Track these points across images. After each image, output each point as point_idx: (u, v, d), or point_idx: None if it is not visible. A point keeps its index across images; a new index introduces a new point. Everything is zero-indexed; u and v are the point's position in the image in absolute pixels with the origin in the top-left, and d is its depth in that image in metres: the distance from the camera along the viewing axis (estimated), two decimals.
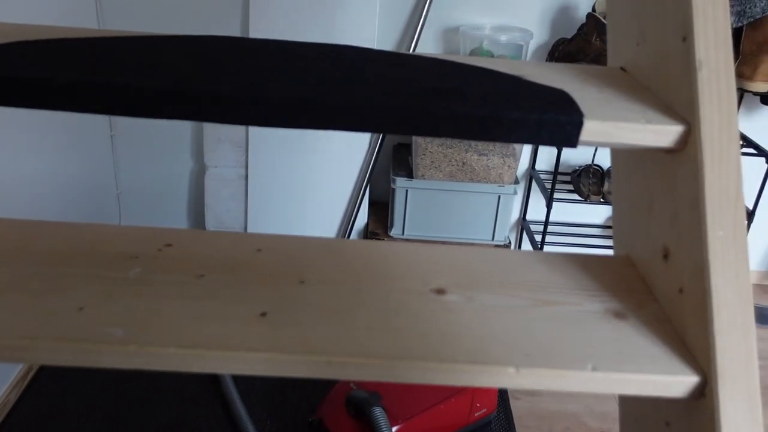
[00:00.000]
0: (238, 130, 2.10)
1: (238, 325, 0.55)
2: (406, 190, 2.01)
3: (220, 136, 2.11)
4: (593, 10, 1.86)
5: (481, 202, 2.02)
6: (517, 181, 2.04)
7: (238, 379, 1.48)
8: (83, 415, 1.28)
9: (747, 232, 2.05)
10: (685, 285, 0.59)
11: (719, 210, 0.56)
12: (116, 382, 1.40)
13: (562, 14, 2.01)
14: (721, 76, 0.58)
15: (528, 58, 2.03)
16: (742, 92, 2.03)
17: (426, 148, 1.95)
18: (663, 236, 0.63)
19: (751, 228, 2.07)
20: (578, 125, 0.58)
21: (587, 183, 2.05)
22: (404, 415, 1.32)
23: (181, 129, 2.19)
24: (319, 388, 1.51)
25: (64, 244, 0.66)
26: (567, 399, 1.73)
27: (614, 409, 1.72)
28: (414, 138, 1.97)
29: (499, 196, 2.01)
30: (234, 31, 2.03)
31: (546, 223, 2.07)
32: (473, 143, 1.95)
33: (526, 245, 2.36)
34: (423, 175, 1.99)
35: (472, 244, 2.08)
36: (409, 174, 2.02)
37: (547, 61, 2.03)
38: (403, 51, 2.05)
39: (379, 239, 2.07)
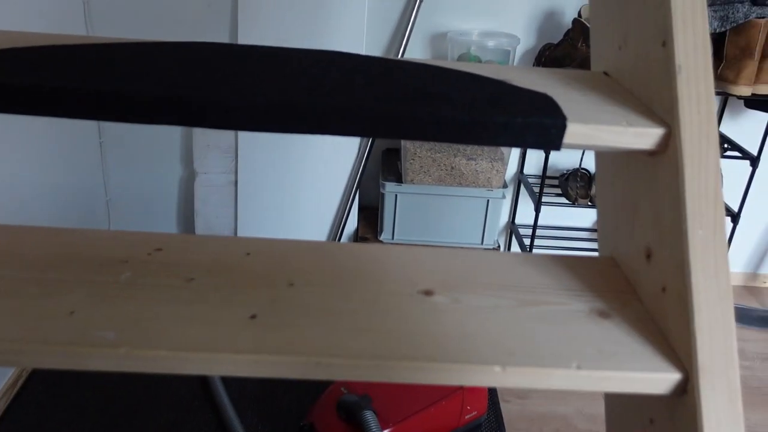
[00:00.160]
0: (227, 136, 2.10)
1: (228, 327, 0.56)
2: (396, 195, 2.02)
3: (210, 142, 2.11)
4: (579, 15, 1.89)
5: (470, 206, 2.03)
6: (505, 185, 2.05)
7: (229, 385, 1.48)
8: (74, 422, 1.28)
9: (733, 234, 2.08)
10: (668, 284, 0.60)
11: (699, 210, 0.57)
12: (107, 388, 1.39)
13: (549, 20, 2.03)
14: (699, 80, 0.60)
15: (515, 63, 2.05)
16: (726, 96, 2.06)
17: (415, 153, 1.96)
18: (646, 237, 0.65)
19: (736, 230, 2.10)
20: (562, 128, 0.59)
21: (575, 187, 2.07)
22: (395, 419, 1.32)
23: (170, 135, 2.19)
24: (311, 392, 1.51)
25: (53, 249, 0.66)
26: (557, 401, 1.74)
27: (604, 411, 1.73)
28: (403, 143, 1.98)
29: (488, 200, 2.02)
30: (223, 37, 2.03)
31: (534, 226, 2.09)
32: (462, 148, 1.97)
33: (515, 249, 2.37)
34: (412, 180, 2.00)
35: (461, 247, 2.09)
36: (399, 179, 2.03)
37: (534, 66, 2.05)
38: (391, 57, 2.06)
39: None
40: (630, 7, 0.69)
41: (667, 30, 0.61)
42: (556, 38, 2.02)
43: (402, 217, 2.06)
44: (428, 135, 0.58)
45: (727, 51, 1.80)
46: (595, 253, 0.79)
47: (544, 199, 2.06)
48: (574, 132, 0.59)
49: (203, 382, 1.48)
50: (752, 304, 2.34)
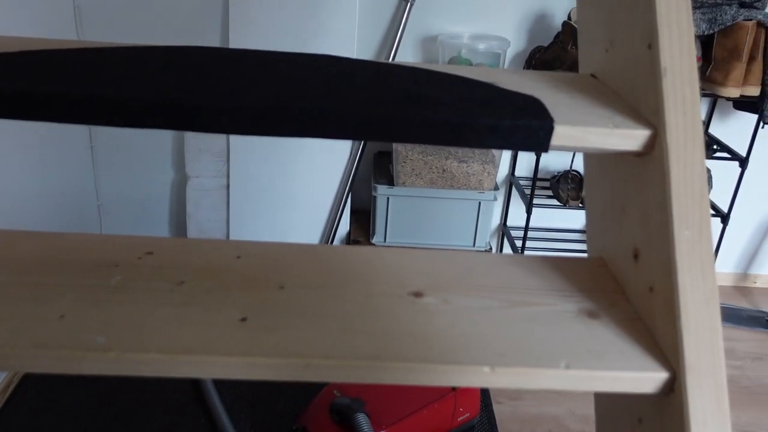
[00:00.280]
0: (219, 139, 2.10)
1: (219, 330, 0.56)
2: (388, 198, 2.03)
3: (201, 146, 2.11)
4: (569, 18, 1.90)
5: (461, 208, 2.04)
6: (497, 188, 2.06)
7: (222, 389, 1.47)
8: (66, 426, 1.28)
9: (722, 234, 2.09)
10: (655, 284, 0.60)
11: (685, 210, 0.58)
12: (100, 392, 1.39)
13: (539, 23, 2.04)
14: (685, 82, 0.61)
15: (505, 66, 2.06)
16: (715, 98, 2.07)
17: (406, 156, 1.96)
18: (633, 237, 0.65)
19: (726, 231, 2.11)
20: (549, 130, 0.59)
21: (566, 188, 2.08)
22: (388, 421, 1.32)
23: (162, 139, 2.19)
24: (303, 396, 1.51)
25: (44, 253, 0.66)
26: (549, 402, 1.75)
27: None
28: (394, 146, 1.99)
29: (480, 203, 2.03)
30: (214, 42, 2.03)
31: (526, 228, 2.10)
32: (453, 150, 1.97)
33: (507, 250, 2.38)
34: (404, 183, 2.00)
35: (452, 249, 2.10)
36: (390, 182, 2.04)
37: (524, 68, 2.06)
38: (382, 60, 2.07)
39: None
40: (616, 10, 0.70)
41: (652, 33, 0.62)
42: (547, 41, 2.03)
43: (394, 219, 2.07)
44: (417, 138, 0.59)
45: (715, 53, 1.81)
46: (586, 254, 0.80)
47: (536, 201, 2.07)
48: (561, 134, 0.59)
49: (195, 386, 1.48)
50: (742, 304, 2.36)
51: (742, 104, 2.01)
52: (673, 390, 0.56)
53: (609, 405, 0.71)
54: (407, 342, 0.57)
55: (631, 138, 0.61)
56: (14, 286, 0.60)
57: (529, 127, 0.59)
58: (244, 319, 0.58)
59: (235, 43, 1.98)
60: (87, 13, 1.97)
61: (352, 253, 0.72)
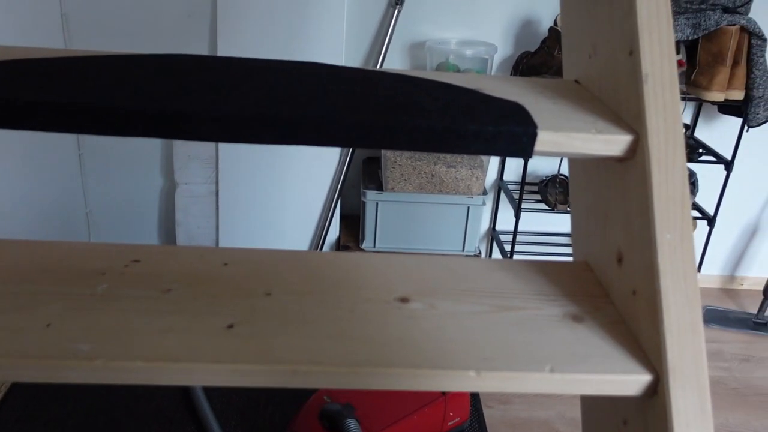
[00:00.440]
0: (208, 146, 2.10)
1: (205, 337, 0.56)
2: (377, 203, 2.03)
3: (190, 152, 2.10)
4: (555, 24, 1.91)
5: (450, 213, 2.05)
6: (485, 192, 2.07)
7: (212, 396, 1.47)
8: None
9: (709, 237, 2.11)
10: (638, 287, 0.61)
11: (667, 214, 0.58)
12: (89, 401, 1.38)
13: (526, 28, 2.05)
14: (666, 88, 0.61)
15: (493, 72, 2.07)
16: (700, 102, 2.09)
17: (395, 162, 1.97)
18: (617, 241, 0.66)
19: (712, 233, 2.13)
20: (532, 136, 0.60)
21: (554, 193, 2.09)
22: (378, 426, 1.33)
23: (150, 146, 2.18)
24: (294, 402, 1.51)
25: (30, 261, 0.66)
26: (538, 406, 1.75)
27: None
28: (383, 151, 1.99)
29: (468, 207, 2.04)
30: (202, 49, 2.03)
31: (515, 232, 2.11)
32: (442, 156, 1.98)
33: (497, 255, 2.39)
34: (393, 188, 2.01)
35: (439, 254, 2.10)
36: (379, 187, 2.04)
37: (511, 74, 2.07)
38: (370, 66, 2.07)
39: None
40: (599, 17, 0.71)
41: (633, 39, 0.63)
42: (533, 46, 2.05)
43: (383, 225, 2.07)
44: (401, 144, 0.59)
45: (699, 58, 1.83)
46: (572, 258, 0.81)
47: (524, 205, 2.08)
48: (544, 139, 0.60)
49: (186, 393, 1.48)
50: (730, 306, 2.38)
51: (727, 108, 2.03)
52: (657, 392, 0.57)
53: (595, 407, 0.72)
54: (394, 347, 0.57)
55: (613, 143, 0.61)
56: (0, 295, 0.60)
57: (513, 132, 0.60)
58: (230, 326, 0.58)
59: (224, 51, 1.98)
60: (74, 21, 1.96)
61: (339, 259, 0.72)
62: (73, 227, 2.22)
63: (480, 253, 2.18)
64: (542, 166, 2.27)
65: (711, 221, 2.11)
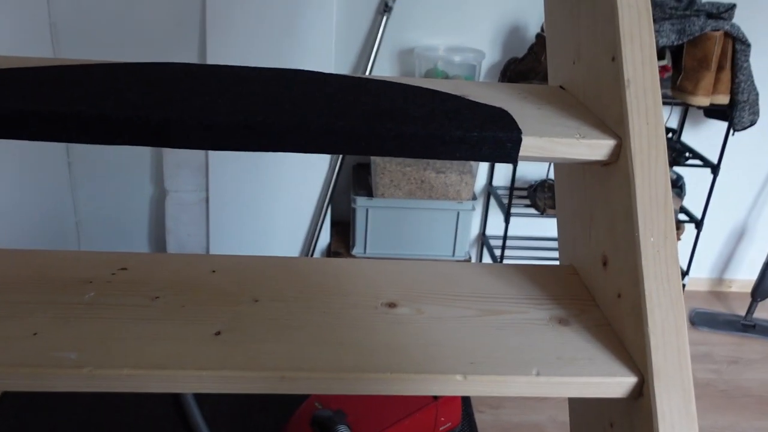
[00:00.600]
0: (197, 153, 2.10)
1: (193, 344, 0.56)
2: (367, 209, 2.04)
3: (180, 160, 2.10)
4: (542, 30, 1.93)
5: (440, 218, 2.05)
6: (474, 198, 2.08)
7: (203, 403, 1.46)
8: None
9: (697, 240, 2.13)
10: (623, 290, 0.62)
11: (650, 217, 0.59)
12: (79, 410, 1.38)
13: (513, 35, 2.07)
14: (648, 93, 0.62)
15: (481, 78, 2.08)
16: (686, 106, 2.12)
17: (385, 168, 1.98)
18: (602, 245, 0.67)
19: (700, 236, 2.15)
20: (517, 142, 0.61)
21: (543, 197, 2.10)
22: None
23: (140, 154, 2.18)
24: (285, 409, 1.50)
25: (17, 270, 0.66)
26: (529, 410, 1.76)
27: None
28: (373, 158, 2.00)
29: (458, 213, 2.05)
30: (192, 57, 2.03)
31: (504, 237, 2.12)
32: (431, 161, 1.99)
33: (487, 260, 2.40)
34: (383, 194, 2.02)
35: (427, 260, 2.11)
36: (369, 193, 2.05)
37: (499, 80, 2.08)
38: (359, 73, 2.08)
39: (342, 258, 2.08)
40: (582, 24, 0.71)
41: (615, 45, 0.63)
42: (521, 53, 2.06)
43: (374, 231, 2.07)
44: (388, 150, 0.60)
45: (685, 63, 1.85)
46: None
47: (514, 210, 2.09)
48: (529, 145, 0.61)
49: (176, 400, 1.47)
50: (718, 308, 2.39)
51: (713, 112, 2.05)
52: (642, 394, 0.57)
53: (582, 410, 0.72)
54: (381, 352, 0.57)
55: (596, 148, 0.62)
56: None
57: (497, 138, 0.60)
58: (218, 333, 0.58)
59: (213, 59, 1.99)
60: (63, 30, 1.96)
61: (327, 265, 0.72)
62: (63, 236, 2.21)
63: (470, 258, 2.19)
64: (531, 171, 2.28)
65: (699, 224, 2.12)
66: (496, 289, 0.70)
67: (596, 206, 0.68)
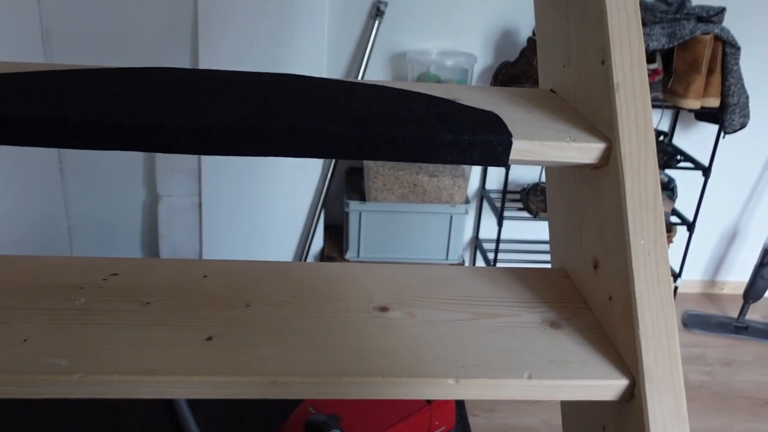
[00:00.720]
0: (190, 158, 2.09)
1: (184, 350, 0.56)
2: (360, 213, 2.04)
3: (173, 165, 2.10)
4: (533, 34, 1.94)
5: (433, 222, 2.06)
6: (467, 201, 2.08)
7: (197, 409, 1.46)
8: None
9: (689, 242, 2.13)
10: (614, 293, 0.62)
11: (640, 220, 0.59)
12: (71, 416, 1.37)
13: (505, 38, 2.08)
14: (637, 96, 0.63)
15: (473, 82, 2.09)
16: (677, 109, 2.13)
17: (378, 172, 1.98)
18: (593, 247, 0.67)
19: (692, 239, 2.16)
20: (507, 145, 0.61)
21: (536, 200, 2.10)
22: None
23: (132, 159, 2.17)
24: (279, 413, 1.50)
25: (8, 276, 0.66)
26: (523, 413, 1.76)
27: None
28: (365, 162, 2.00)
29: (451, 216, 2.05)
30: (184, 62, 2.03)
31: (498, 240, 2.12)
32: (423, 165, 1.99)
33: (480, 263, 2.40)
34: (376, 198, 2.02)
35: (420, 263, 2.11)
36: (362, 197, 2.05)
37: (491, 83, 2.09)
38: (351, 77, 2.08)
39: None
40: (572, 27, 0.72)
41: (605, 49, 0.64)
42: (513, 56, 2.07)
43: (367, 235, 2.07)
44: (379, 154, 0.60)
45: (675, 66, 1.86)
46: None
47: (507, 213, 2.10)
48: (519, 148, 0.61)
49: (169, 406, 1.47)
50: (711, 310, 2.40)
51: (704, 115, 2.06)
52: (633, 396, 0.57)
53: (574, 413, 0.72)
54: (373, 357, 0.57)
55: (586, 151, 0.62)
56: None
57: (488, 142, 0.60)
58: (209, 338, 0.58)
59: (205, 63, 1.98)
60: (55, 35, 1.96)
61: (319, 269, 0.72)
62: (55, 242, 2.20)
63: (463, 261, 2.19)
64: (524, 174, 2.29)
65: (691, 227, 2.13)
66: (488, 292, 0.70)
67: (587, 209, 0.68)
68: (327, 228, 2.27)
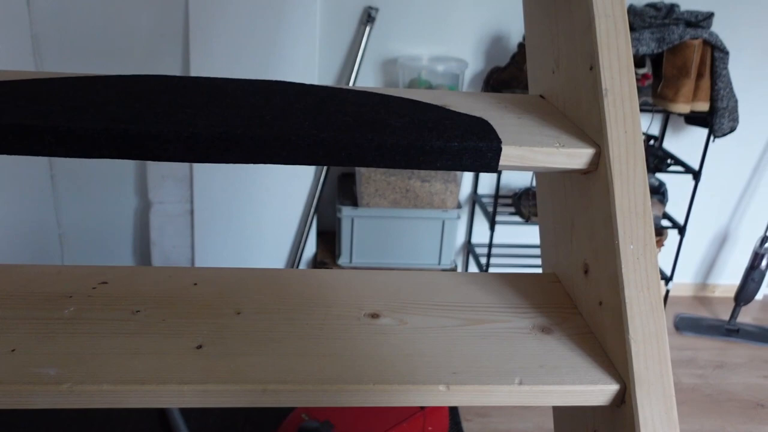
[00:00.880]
0: (182, 165, 2.09)
1: (174, 358, 0.56)
2: (352, 219, 2.03)
3: (164, 172, 2.09)
4: (524, 39, 1.94)
5: (425, 227, 2.06)
6: (460, 206, 2.08)
7: (190, 417, 1.45)
8: None
9: (680, 246, 2.14)
10: (604, 298, 0.62)
11: (629, 225, 0.60)
12: (62, 426, 1.36)
13: (496, 44, 2.08)
14: (625, 102, 0.63)
15: (464, 87, 2.09)
16: (667, 114, 2.14)
17: (370, 177, 1.98)
18: (583, 252, 0.67)
19: (683, 242, 2.16)
20: (497, 151, 0.61)
21: (527, 205, 2.11)
22: None
23: (123, 166, 2.16)
24: (272, 421, 1.50)
25: None
26: (516, 418, 1.76)
27: None
28: (357, 168, 2.00)
29: (443, 221, 2.05)
30: (175, 69, 2.03)
31: (490, 245, 2.12)
32: (415, 171, 2.00)
33: (473, 268, 2.40)
34: (368, 204, 2.02)
35: (418, 269, 2.11)
36: (355, 203, 2.05)
37: (482, 89, 2.10)
38: (343, 83, 2.09)
39: (328, 268, 2.08)
40: (561, 33, 0.72)
41: (593, 55, 0.64)
42: (504, 61, 2.07)
43: (359, 240, 2.07)
44: (369, 161, 0.60)
45: (665, 70, 1.87)
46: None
47: (499, 218, 2.10)
48: (509, 154, 0.61)
49: (162, 415, 1.46)
50: (702, 313, 2.41)
51: (693, 119, 2.08)
52: (624, 401, 0.57)
53: (566, 418, 0.72)
54: (363, 364, 0.57)
55: (576, 157, 0.63)
56: None
57: (478, 148, 0.61)
58: (199, 347, 0.58)
59: (196, 71, 1.98)
60: (45, 42, 1.95)
61: (310, 276, 0.72)
62: (46, 250, 2.19)
63: (456, 266, 2.19)
64: (515, 179, 2.29)
65: (681, 230, 2.14)
66: (478, 298, 0.70)
67: (577, 214, 0.68)
68: (319, 234, 2.27)
